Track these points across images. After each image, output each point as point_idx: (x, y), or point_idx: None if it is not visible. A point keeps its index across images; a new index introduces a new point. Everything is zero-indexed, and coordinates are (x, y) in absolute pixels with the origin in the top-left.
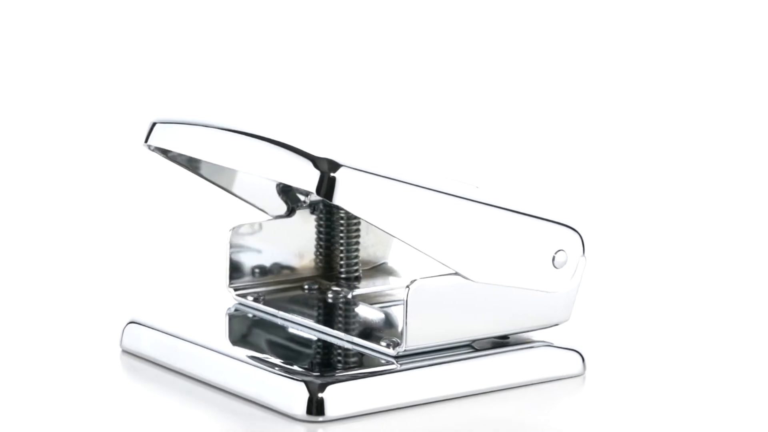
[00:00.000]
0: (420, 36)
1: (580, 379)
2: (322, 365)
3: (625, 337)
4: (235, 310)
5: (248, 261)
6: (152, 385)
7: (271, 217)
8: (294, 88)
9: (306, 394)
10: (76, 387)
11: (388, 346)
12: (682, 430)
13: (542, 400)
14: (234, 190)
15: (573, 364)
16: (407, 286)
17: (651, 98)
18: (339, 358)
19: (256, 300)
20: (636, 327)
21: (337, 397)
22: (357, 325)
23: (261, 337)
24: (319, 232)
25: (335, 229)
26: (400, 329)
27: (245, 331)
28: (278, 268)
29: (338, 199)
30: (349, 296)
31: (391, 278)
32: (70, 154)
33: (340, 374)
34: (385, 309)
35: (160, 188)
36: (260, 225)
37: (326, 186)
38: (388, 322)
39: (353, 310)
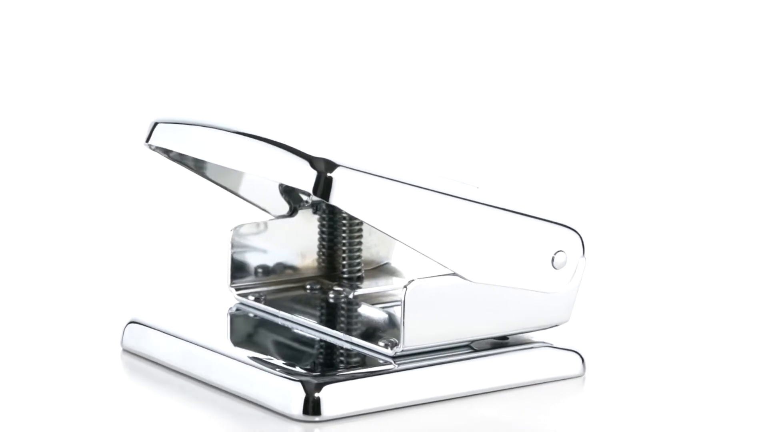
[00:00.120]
0: (419, 36)
1: (580, 380)
2: (320, 365)
3: (625, 338)
4: (236, 309)
5: (250, 261)
6: (152, 384)
7: (273, 217)
8: (294, 88)
9: (302, 394)
10: (76, 386)
11: (386, 346)
12: (682, 431)
13: (541, 401)
14: (236, 190)
15: (572, 365)
16: (405, 287)
17: (650, 98)
18: (337, 358)
19: (257, 300)
20: (636, 328)
21: (334, 397)
22: (357, 325)
23: (260, 337)
24: (321, 232)
25: (338, 229)
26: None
27: (245, 331)
28: (280, 268)
29: (335, 199)
30: (351, 296)
31: (393, 278)
32: (72, 154)
33: (337, 374)
34: (386, 309)
35: (161, 188)
36: (262, 225)
37: (323, 186)
38: (389, 323)
39: (354, 311)
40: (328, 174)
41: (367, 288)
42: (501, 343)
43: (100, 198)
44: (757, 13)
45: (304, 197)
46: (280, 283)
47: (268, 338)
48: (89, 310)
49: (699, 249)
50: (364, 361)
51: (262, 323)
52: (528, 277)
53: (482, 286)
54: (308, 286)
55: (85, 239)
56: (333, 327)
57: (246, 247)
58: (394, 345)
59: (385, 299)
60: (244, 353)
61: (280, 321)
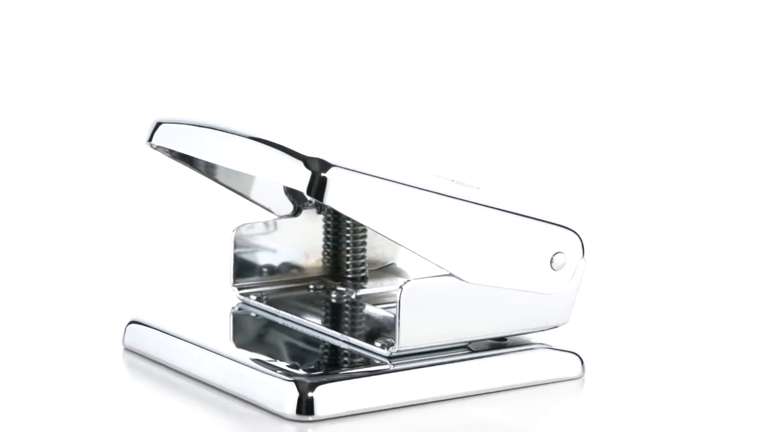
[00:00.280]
0: (418, 36)
1: (579, 382)
2: (315, 365)
3: (625, 339)
4: (239, 309)
5: (253, 260)
6: (152, 383)
7: (277, 217)
8: (293, 88)
9: (296, 394)
10: (77, 385)
11: (382, 346)
12: None
13: (540, 402)
14: (239, 189)
15: (572, 366)
16: (400, 287)
17: (650, 99)
18: (333, 358)
19: (258, 299)
20: (635, 330)
21: (327, 396)
22: (356, 325)
23: (259, 336)
24: (326, 232)
25: (342, 229)
26: None
27: (245, 331)
28: (284, 268)
29: (329, 200)
30: (353, 297)
31: (398, 279)
32: (74, 154)
33: (330, 374)
34: (388, 310)
35: (163, 187)
36: (266, 224)
37: (317, 186)
38: (389, 323)
39: (355, 311)
40: (323, 174)
41: (370, 288)
42: (499, 344)
43: (102, 197)
44: (757, 13)
45: (308, 197)
46: (284, 283)
47: (266, 338)
48: (91, 309)
49: (698, 250)
50: (360, 361)
51: (263, 323)
52: (527, 279)
53: (480, 287)
54: (311, 286)
55: (87, 239)
56: (333, 327)
57: (249, 247)
58: (390, 345)
59: (387, 300)
60: (241, 353)
61: (280, 321)
